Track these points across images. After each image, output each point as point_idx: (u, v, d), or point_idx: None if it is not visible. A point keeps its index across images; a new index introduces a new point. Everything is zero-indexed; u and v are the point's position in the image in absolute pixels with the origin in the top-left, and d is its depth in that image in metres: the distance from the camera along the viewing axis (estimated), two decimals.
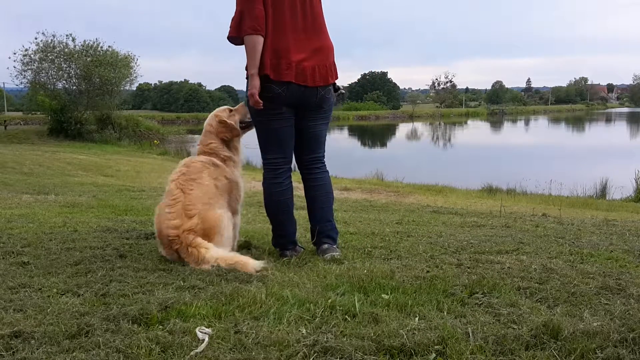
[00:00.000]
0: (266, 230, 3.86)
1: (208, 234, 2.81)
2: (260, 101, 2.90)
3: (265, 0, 2.89)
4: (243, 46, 2.94)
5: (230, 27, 2.97)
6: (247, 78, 2.98)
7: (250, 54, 2.89)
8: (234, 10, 2.96)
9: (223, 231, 2.87)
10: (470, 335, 1.84)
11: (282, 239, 3.18)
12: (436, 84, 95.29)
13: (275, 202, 3.12)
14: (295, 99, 2.99)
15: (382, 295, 2.28)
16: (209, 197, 2.88)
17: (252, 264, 2.71)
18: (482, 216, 5.38)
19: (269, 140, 3.08)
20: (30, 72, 24.88)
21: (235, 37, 2.98)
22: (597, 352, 1.72)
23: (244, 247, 3.31)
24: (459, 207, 7.18)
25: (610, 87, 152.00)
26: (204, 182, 2.91)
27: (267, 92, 2.94)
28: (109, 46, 25.85)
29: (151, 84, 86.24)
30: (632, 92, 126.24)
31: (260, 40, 2.88)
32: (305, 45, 2.98)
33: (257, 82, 2.90)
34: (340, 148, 26.34)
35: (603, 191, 11.97)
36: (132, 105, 60.50)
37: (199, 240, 2.76)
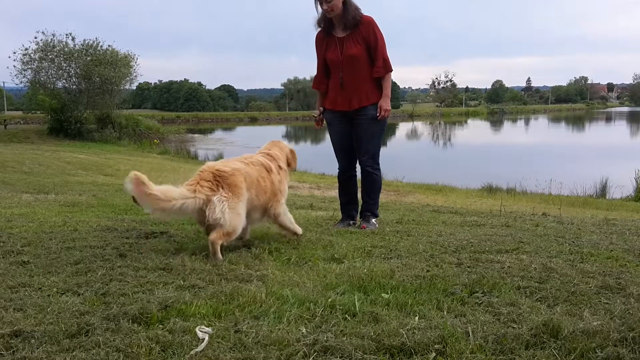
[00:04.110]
0: (266, 229, 3.87)
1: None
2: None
3: None
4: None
5: (387, 65, 4.10)
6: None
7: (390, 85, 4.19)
8: (384, 53, 4.09)
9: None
10: (470, 334, 1.84)
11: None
12: (436, 83, 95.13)
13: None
14: None
15: (382, 295, 2.28)
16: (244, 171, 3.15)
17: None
18: (482, 215, 5.37)
19: None
20: (30, 72, 24.87)
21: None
22: (597, 351, 1.72)
23: (244, 246, 3.31)
24: (459, 206, 7.19)
25: (610, 87, 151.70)
26: (250, 171, 3.20)
27: None
28: (109, 45, 25.86)
29: (151, 83, 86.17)
30: (632, 92, 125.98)
31: None
32: None
33: None
34: None
35: (603, 190, 11.97)
36: (132, 105, 60.49)
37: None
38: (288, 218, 3.50)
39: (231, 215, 2.96)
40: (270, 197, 3.34)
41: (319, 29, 4.21)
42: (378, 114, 4.10)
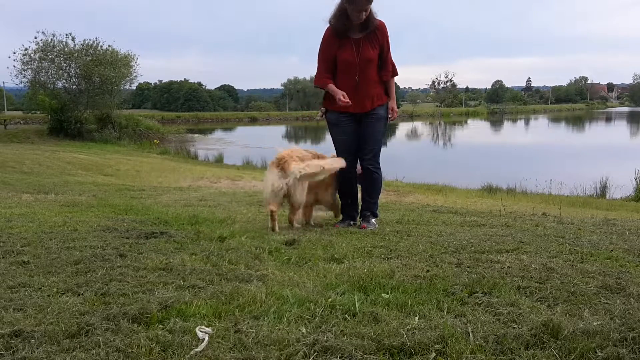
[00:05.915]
0: (266, 229, 3.87)
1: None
2: None
3: None
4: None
5: (394, 69, 4.29)
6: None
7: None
8: (391, 58, 4.25)
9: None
10: (470, 334, 1.84)
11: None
12: (436, 84, 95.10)
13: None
14: None
15: (382, 295, 2.28)
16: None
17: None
18: (482, 215, 5.37)
19: None
20: (30, 72, 24.89)
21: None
22: (597, 351, 1.72)
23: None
24: (459, 206, 7.18)
25: (610, 87, 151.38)
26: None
27: None
28: (109, 45, 25.86)
29: (151, 83, 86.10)
30: (632, 92, 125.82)
31: None
32: None
33: None
34: None
35: (603, 190, 11.96)
36: (132, 105, 60.49)
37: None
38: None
39: (295, 190, 3.90)
40: (320, 184, 4.17)
41: (329, 25, 4.11)
42: (390, 116, 4.25)
